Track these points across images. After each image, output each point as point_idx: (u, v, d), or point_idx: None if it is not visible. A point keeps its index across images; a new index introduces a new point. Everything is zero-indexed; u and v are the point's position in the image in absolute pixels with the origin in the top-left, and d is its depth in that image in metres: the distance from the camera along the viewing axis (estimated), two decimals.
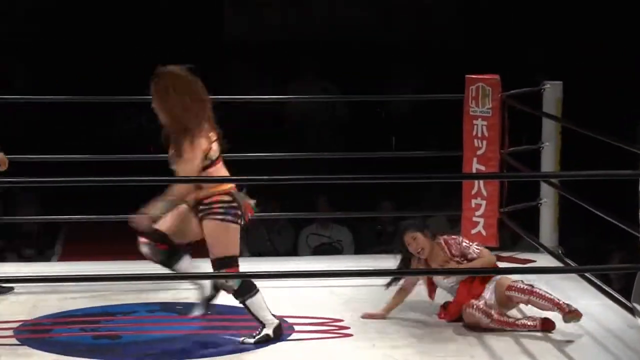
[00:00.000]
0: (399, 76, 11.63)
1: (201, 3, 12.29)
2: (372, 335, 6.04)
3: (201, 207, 5.73)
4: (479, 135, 7.27)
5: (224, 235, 5.74)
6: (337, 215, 9.77)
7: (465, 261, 6.20)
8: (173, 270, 5.79)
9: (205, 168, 5.71)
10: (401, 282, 6.25)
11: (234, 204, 5.74)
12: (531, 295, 6.00)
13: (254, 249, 9.69)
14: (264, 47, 12.00)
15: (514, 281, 6.06)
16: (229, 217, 5.73)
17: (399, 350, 5.82)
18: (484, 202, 7.28)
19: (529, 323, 6.03)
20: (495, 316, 5.98)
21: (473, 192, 7.32)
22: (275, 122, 11.57)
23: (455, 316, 6.15)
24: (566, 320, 5.91)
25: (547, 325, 6.02)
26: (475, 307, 5.99)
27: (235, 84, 11.14)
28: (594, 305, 6.36)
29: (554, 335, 5.98)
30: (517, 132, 7.54)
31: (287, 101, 11.35)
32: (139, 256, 5.81)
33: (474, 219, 7.30)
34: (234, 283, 5.78)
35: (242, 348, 5.83)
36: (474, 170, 7.27)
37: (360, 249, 9.60)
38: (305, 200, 9.59)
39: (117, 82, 10.04)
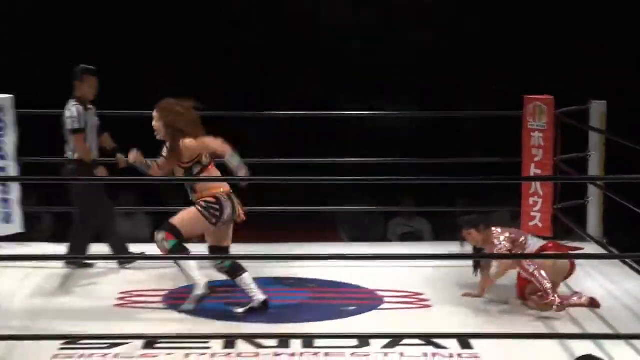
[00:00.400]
0: (470, 95, 11.50)
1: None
2: (449, 307, 6.00)
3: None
4: (536, 145, 7.20)
5: (195, 220, 5.76)
6: (419, 209, 9.72)
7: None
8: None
9: (198, 173, 5.76)
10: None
11: (216, 206, 5.76)
12: (532, 277, 5.89)
13: (352, 236, 9.69)
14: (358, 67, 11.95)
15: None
16: (205, 213, 5.76)
17: (471, 319, 5.77)
18: (540, 200, 7.20)
19: (579, 300, 5.92)
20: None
21: (531, 191, 7.24)
22: (365, 134, 11.51)
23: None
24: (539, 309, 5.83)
25: (594, 303, 5.91)
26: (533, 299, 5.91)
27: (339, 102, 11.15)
28: (633, 287, 6.25)
29: (600, 311, 5.88)
30: (568, 143, 7.43)
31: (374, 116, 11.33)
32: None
33: (532, 213, 7.23)
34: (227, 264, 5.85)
35: (345, 314, 5.83)
36: (531, 174, 7.21)
37: (437, 238, 9.53)
38: (394, 196, 9.56)
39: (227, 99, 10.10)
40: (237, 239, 6.98)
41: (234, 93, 10.96)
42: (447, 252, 6.88)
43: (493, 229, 6.08)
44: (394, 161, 8.58)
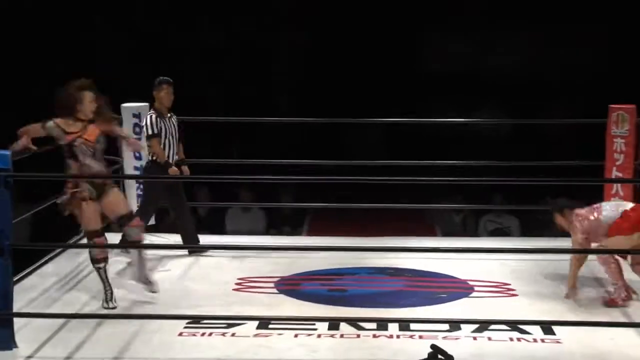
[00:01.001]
0: (557, 103, 11.33)
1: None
2: (533, 296, 5.92)
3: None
4: (618, 150, 7.04)
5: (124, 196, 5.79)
6: (508, 207, 9.60)
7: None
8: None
9: None
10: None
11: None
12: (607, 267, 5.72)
13: (446, 231, 9.63)
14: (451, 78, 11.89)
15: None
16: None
17: (554, 307, 5.70)
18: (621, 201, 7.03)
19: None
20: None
21: (612, 192, 7.07)
22: (458, 140, 11.44)
23: None
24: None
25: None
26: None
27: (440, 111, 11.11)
28: None
29: None
30: None
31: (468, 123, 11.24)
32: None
33: None
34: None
35: (438, 301, 5.82)
36: (613, 176, 7.05)
37: (525, 233, 9.40)
38: (485, 195, 9.47)
39: (347, 106, 10.15)
40: (344, 233, 7.05)
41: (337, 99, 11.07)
42: (532, 247, 6.77)
43: (577, 211, 5.85)
44: (487, 164, 8.51)
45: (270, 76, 12.01)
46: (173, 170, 6.61)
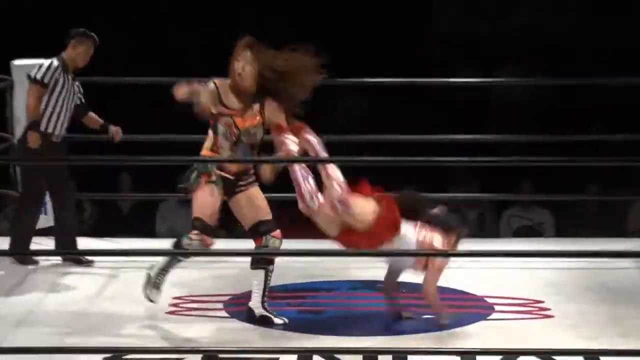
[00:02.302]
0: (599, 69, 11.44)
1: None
2: (574, 318, 5.95)
3: (245, 177, 5.82)
4: None
5: (264, 199, 5.87)
6: (538, 198, 9.64)
7: None
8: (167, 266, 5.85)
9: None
10: None
11: None
12: None
13: None
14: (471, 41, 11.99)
15: None
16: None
17: (602, 331, 5.72)
18: None
19: None
20: None
21: None
22: (480, 107, 11.52)
23: None
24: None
25: None
26: None
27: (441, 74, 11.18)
28: None
29: None
30: None
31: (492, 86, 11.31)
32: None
33: None
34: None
35: (446, 326, 5.82)
36: None
37: (561, 233, 9.45)
38: (509, 182, 9.50)
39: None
40: (318, 234, 7.03)
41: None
42: (572, 250, 6.80)
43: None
44: (511, 139, 8.54)
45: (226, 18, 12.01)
46: (34, 137, 6.61)
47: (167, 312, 6.07)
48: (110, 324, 5.87)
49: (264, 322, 5.82)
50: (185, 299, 6.29)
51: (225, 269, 6.76)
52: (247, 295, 6.29)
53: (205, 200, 5.74)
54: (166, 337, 5.66)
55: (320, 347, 5.49)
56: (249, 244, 6.11)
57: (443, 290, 6.36)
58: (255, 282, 5.85)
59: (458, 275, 6.55)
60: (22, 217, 6.91)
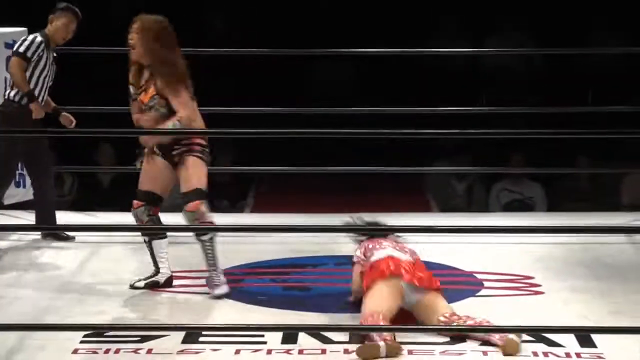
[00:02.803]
0: (600, 29, 11.37)
1: None
2: (564, 295, 5.96)
3: (178, 147, 5.96)
4: None
5: (202, 170, 5.98)
6: (529, 171, 9.65)
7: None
8: (149, 242, 6.05)
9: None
10: None
11: (207, 148, 6.03)
12: None
13: (445, 205, 9.67)
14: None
15: None
16: (205, 157, 6.01)
17: (594, 309, 5.74)
18: None
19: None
20: None
21: None
22: (471, 76, 11.49)
23: None
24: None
25: None
26: None
27: (434, 36, 11.12)
28: None
29: None
30: None
31: (485, 55, 11.28)
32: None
33: None
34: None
35: None
36: None
37: (552, 207, 9.46)
38: (498, 154, 9.50)
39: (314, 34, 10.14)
40: (303, 209, 7.04)
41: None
42: (563, 225, 6.82)
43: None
44: (500, 111, 8.54)
45: None
46: (36, 107, 6.63)
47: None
48: (91, 300, 5.86)
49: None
50: None
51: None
52: (231, 272, 6.31)
53: (145, 171, 6.03)
54: (149, 314, 5.66)
55: (306, 324, 5.50)
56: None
57: (432, 265, 6.38)
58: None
59: (446, 250, 6.57)
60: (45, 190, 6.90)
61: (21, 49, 6.64)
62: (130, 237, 6.83)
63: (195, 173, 5.97)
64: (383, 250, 5.61)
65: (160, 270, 6.05)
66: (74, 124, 6.90)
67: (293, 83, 11.22)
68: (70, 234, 6.91)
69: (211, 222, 5.97)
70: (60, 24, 6.73)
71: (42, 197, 6.92)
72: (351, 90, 10.94)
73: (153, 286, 6.02)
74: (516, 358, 5.10)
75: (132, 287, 6.00)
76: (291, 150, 8.91)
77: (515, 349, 5.11)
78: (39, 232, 7.00)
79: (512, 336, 5.12)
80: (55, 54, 6.82)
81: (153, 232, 6.03)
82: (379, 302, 5.35)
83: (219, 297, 5.89)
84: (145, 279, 6.04)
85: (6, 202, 7.06)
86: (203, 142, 6.00)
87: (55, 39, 6.76)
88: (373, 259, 5.58)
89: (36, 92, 6.69)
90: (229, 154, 10.11)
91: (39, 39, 6.67)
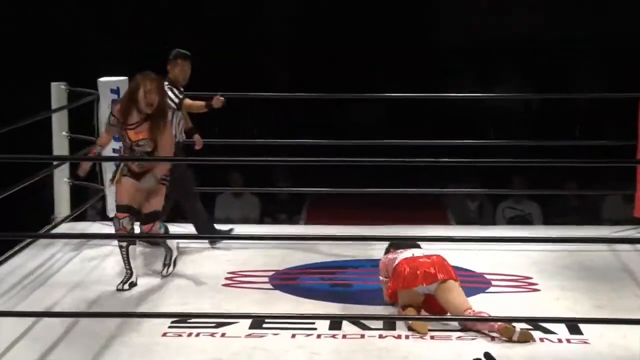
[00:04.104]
0: (583, 76, 11.30)
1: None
2: (556, 292, 5.91)
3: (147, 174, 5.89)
4: None
5: (162, 195, 5.97)
6: (528, 192, 9.59)
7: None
8: (126, 248, 5.94)
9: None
10: None
11: (167, 177, 6.00)
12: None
13: (460, 219, 9.62)
14: (471, 51, 11.87)
15: None
16: (166, 184, 6.00)
17: (581, 303, 5.68)
18: None
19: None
20: None
21: None
22: (477, 117, 11.45)
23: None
24: None
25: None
26: None
27: (448, 84, 11.10)
28: None
29: None
30: None
31: (489, 99, 11.25)
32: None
33: None
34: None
35: None
36: None
37: (547, 221, 9.39)
38: (504, 178, 9.46)
39: (347, 79, 10.12)
40: (346, 221, 7.01)
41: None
42: (556, 236, 6.76)
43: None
44: (505, 143, 8.50)
45: (260, 45, 11.95)
46: (218, 99, 6.54)
47: (223, 285, 6.07)
48: (176, 294, 5.88)
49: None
50: (238, 274, 6.28)
51: (270, 249, 6.73)
52: (288, 271, 6.31)
53: (122, 189, 5.90)
54: (222, 305, 5.66)
55: (349, 314, 5.49)
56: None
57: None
58: None
59: (462, 255, 6.52)
60: (194, 208, 6.78)
61: (177, 100, 6.53)
62: (202, 243, 6.83)
63: (157, 198, 5.92)
64: (401, 253, 5.52)
65: (133, 272, 5.96)
66: (201, 145, 6.87)
67: (337, 119, 11.25)
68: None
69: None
70: (177, 70, 6.64)
71: (195, 214, 6.81)
72: (383, 127, 10.93)
73: (133, 286, 5.91)
74: (518, 343, 5.06)
75: (119, 290, 5.85)
76: (339, 175, 8.91)
77: (509, 334, 5.05)
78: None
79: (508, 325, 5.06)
80: (181, 91, 6.67)
81: (130, 239, 5.95)
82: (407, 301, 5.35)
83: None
84: (125, 282, 5.90)
85: (111, 214, 7.07)
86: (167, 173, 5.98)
87: (179, 82, 6.65)
88: (393, 266, 5.50)
89: (180, 130, 6.67)
90: (288, 177, 10.14)
91: (171, 88, 6.55)
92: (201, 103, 6.60)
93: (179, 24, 11.71)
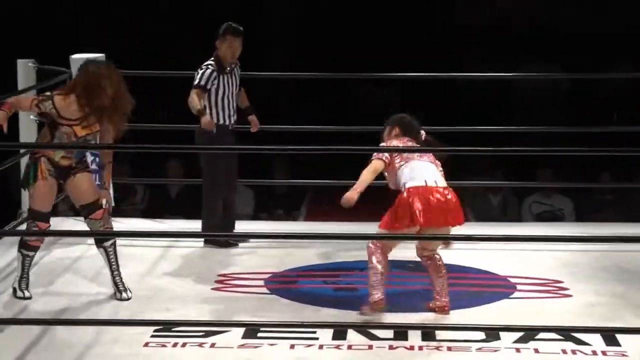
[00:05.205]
0: (618, 60, 11.31)
1: None
2: (590, 297, 5.90)
3: (77, 166, 5.86)
4: None
5: (90, 183, 5.94)
6: (559, 185, 9.59)
7: None
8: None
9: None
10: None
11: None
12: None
13: (481, 215, 9.62)
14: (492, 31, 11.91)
15: None
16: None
17: (618, 310, 5.68)
18: None
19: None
20: None
21: None
22: (502, 100, 11.46)
23: None
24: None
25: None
26: None
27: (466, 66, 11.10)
28: None
29: None
30: None
31: (514, 79, 11.25)
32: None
33: None
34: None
35: (472, 303, 5.79)
36: None
37: (580, 218, 9.39)
38: (530, 170, 9.45)
39: (357, 60, 10.12)
40: (352, 217, 7.00)
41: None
42: (590, 234, 6.76)
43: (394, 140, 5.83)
44: (532, 130, 8.50)
45: (257, 22, 11.99)
46: (206, 120, 6.61)
47: (212, 289, 6.07)
48: (160, 299, 5.88)
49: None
50: (230, 276, 6.29)
51: (268, 249, 6.75)
52: (287, 274, 6.31)
53: (40, 193, 5.81)
54: (212, 311, 5.67)
55: (354, 322, 5.48)
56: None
57: (468, 270, 6.36)
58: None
59: (483, 256, 6.53)
60: (209, 202, 6.81)
61: (196, 82, 6.66)
62: (194, 242, 6.85)
63: (93, 186, 5.93)
64: (419, 170, 5.58)
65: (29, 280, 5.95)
66: (257, 128, 6.93)
67: (344, 103, 11.25)
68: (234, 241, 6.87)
69: (112, 227, 5.99)
70: (225, 47, 6.70)
71: (226, 208, 6.85)
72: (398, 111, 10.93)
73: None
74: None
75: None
76: (344, 166, 8.89)
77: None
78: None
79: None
80: (231, 69, 6.76)
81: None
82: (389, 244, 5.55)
83: (127, 299, 5.84)
84: (26, 288, 5.87)
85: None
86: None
87: (226, 59, 6.72)
88: (407, 183, 5.55)
89: (225, 111, 6.72)
90: (285, 168, 10.14)
91: (210, 68, 6.67)
92: (199, 107, 6.63)
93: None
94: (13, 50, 7.80)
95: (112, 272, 5.90)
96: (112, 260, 5.90)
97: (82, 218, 5.99)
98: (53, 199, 5.93)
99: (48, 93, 5.84)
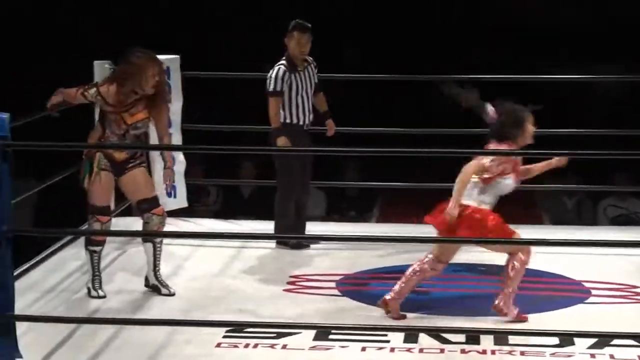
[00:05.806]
0: None
1: None
2: None
3: (133, 160, 5.88)
4: None
5: (147, 178, 5.98)
6: (635, 189, 9.45)
7: None
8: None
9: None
10: None
11: None
12: None
13: (556, 218, 9.54)
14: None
15: None
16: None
17: None
18: None
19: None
20: None
21: None
22: (576, 104, 11.34)
23: None
24: None
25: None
26: None
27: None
28: None
29: None
30: None
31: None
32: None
33: None
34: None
35: (545, 308, 5.73)
36: None
37: None
38: (606, 173, 9.33)
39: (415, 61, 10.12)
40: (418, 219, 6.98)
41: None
42: None
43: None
44: (608, 133, 8.40)
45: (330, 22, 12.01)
46: (282, 140, 6.64)
47: (284, 290, 6.09)
48: (232, 300, 5.90)
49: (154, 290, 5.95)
50: (301, 278, 6.30)
51: (339, 250, 6.75)
52: (358, 276, 6.30)
53: (97, 187, 5.85)
54: (283, 313, 5.67)
55: (426, 325, 5.46)
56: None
57: (543, 274, 6.30)
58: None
59: (558, 260, 6.47)
60: (281, 203, 6.85)
61: (270, 88, 6.68)
62: (266, 243, 6.87)
63: (150, 181, 5.98)
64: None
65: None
66: (333, 132, 6.95)
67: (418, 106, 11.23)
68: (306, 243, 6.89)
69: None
70: (293, 44, 6.73)
71: (298, 209, 6.89)
72: (464, 115, 10.88)
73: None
74: None
75: (92, 297, 5.87)
76: (417, 168, 8.88)
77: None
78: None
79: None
80: (304, 66, 6.77)
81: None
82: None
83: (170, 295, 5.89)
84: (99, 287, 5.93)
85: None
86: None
87: (296, 56, 6.74)
88: (487, 200, 5.64)
89: (299, 110, 6.74)
90: (357, 169, 10.13)
91: (281, 70, 6.68)
92: (277, 124, 6.66)
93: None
94: (89, 52, 7.89)
95: (155, 268, 5.95)
96: (158, 256, 5.96)
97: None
98: (111, 193, 5.99)
99: (93, 82, 5.93)
